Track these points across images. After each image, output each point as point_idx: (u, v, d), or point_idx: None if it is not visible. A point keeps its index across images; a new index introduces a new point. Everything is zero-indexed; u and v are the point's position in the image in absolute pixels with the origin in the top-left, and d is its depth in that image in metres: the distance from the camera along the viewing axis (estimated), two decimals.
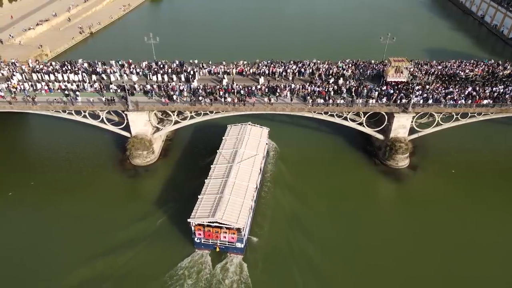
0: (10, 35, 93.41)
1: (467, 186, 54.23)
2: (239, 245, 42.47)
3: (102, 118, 56.01)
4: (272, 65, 62.20)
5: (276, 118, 62.26)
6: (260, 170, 51.34)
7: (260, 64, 62.94)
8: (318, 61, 63.45)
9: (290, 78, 60.04)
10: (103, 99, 54.44)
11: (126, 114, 55.31)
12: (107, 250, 43.89)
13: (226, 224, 41.49)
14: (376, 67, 61.66)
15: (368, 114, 56.04)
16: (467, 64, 63.76)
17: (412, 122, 55.99)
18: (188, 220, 41.96)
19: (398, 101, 54.53)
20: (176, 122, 57.28)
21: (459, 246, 45.34)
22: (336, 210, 50.00)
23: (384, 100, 54.13)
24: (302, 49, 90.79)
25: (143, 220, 47.85)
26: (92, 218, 48.07)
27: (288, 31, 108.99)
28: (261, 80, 59.83)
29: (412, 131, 57.21)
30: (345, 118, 56.36)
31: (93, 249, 43.88)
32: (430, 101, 53.93)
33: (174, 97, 54.61)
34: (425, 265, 43.19)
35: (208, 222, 41.80)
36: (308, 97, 54.59)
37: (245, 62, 63.67)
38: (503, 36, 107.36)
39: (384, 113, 55.67)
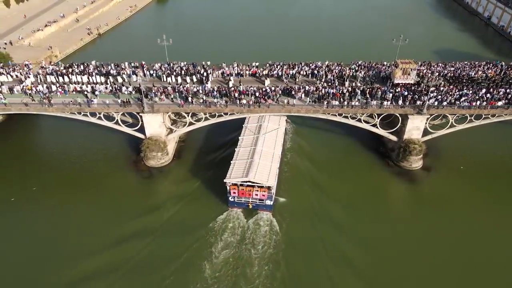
0: (19, 37, 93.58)
1: (482, 186, 54.32)
2: (268, 202, 48.13)
3: (117, 119, 56.20)
4: (285, 67, 62.36)
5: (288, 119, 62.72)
6: (282, 141, 56.98)
7: (274, 66, 63.00)
8: (331, 63, 63.64)
9: (298, 80, 60.22)
10: (119, 101, 54.61)
11: (141, 116, 55.51)
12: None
13: (258, 183, 47.09)
14: (389, 69, 61.74)
15: (382, 116, 56.26)
16: (480, 66, 63.88)
17: (426, 123, 56.15)
18: (224, 180, 47.68)
19: (412, 102, 54.76)
20: (191, 124, 57.46)
21: (474, 248, 45.63)
22: (350, 212, 50.37)
23: (400, 102, 54.25)
24: (309, 51, 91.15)
25: (161, 214, 49.51)
26: (109, 211, 50.17)
27: (294, 33, 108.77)
28: (267, 81, 60.15)
29: (425, 132, 57.38)
30: (359, 120, 56.53)
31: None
32: (445, 103, 54.08)
33: (189, 98, 54.79)
34: (434, 263, 43.90)
35: (242, 181, 47.40)
36: (323, 99, 54.78)
37: (257, 64, 63.83)
38: (511, 37, 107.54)
39: (398, 115, 55.86)
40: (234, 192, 47.81)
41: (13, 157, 59.02)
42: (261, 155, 50.96)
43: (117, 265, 42.69)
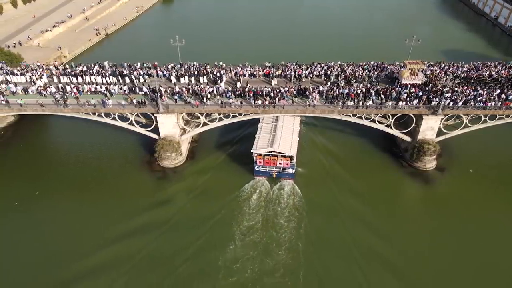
0: (28, 37, 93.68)
1: (497, 188, 54.22)
2: (291, 170, 53.19)
3: (131, 120, 56.22)
4: (298, 68, 62.42)
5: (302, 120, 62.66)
6: (300, 118, 60.67)
7: (287, 66, 63.04)
8: (343, 63, 63.69)
9: (304, 80, 60.40)
10: (134, 101, 54.64)
11: (155, 116, 55.56)
12: None
13: (281, 153, 51.64)
14: (401, 69, 61.67)
15: (396, 117, 56.28)
16: (494, 66, 63.92)
17: (440, 124, 56.15)
18: (251, 151, 52.45)
19: (426, 103, 54.79)
20: (205, 124, 57.45)
21: (487, 249, 45.54)
22: (365, 212, 50.64)
23: (415, 102, 54.27)
24: (317, 51, 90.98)
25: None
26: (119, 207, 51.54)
27: (302, 34, 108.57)
28: (275, 82, 60.19)
29: (439, 133, 57.34)
30: (373, 120, 56.54)
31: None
32: (460, 103, 54.11)
33: (204, 99, 54.83)
34: (442, 261, 44.34)
35: (267, 151, 52.00)
36: (337, 100, 54.85)
37: (270, 64, 63.89)
38: None
39: (412, 115, 55.87)
40: (260, 162, 52.72)
41: (26, 158, 59.09)
42: (282, 129, 54.94)
43: (157, 225, 47.77)
